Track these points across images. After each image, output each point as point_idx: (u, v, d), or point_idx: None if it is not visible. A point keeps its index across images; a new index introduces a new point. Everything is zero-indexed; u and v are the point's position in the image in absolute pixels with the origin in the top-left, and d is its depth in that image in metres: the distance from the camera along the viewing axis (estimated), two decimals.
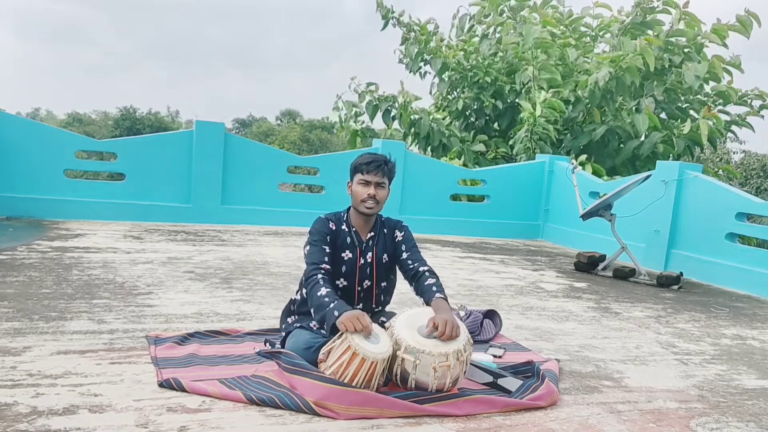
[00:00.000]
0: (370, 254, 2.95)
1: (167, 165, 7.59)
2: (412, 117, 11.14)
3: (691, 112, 11.40)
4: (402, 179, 8.38)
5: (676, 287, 6.07)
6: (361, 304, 2.98)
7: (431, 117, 11.25)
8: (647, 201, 7.04)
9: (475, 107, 12.07)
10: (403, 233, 3.05)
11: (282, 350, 2.69)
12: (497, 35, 11.88)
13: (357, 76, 11.51)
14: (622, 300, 5.32)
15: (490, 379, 2.80)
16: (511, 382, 2.75)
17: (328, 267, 2.79)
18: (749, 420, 2.75)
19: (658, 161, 7.78)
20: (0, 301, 3.57)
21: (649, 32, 10.48)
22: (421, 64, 12.20)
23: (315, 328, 2.79)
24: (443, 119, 11.50)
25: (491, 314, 3.82)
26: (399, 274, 3.08)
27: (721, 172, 12.93)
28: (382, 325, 2.75)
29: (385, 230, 3.03)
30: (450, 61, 11.64)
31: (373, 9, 12.01)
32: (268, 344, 3.05)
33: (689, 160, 10.70)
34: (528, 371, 2.93)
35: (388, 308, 3.17)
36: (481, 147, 11.17)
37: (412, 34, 11.83)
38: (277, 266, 5.41)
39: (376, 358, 2.43)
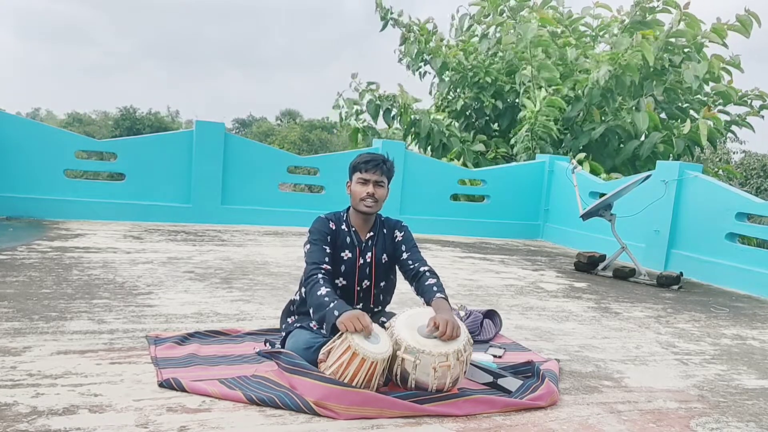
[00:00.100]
0: (369, 254, 2.95)
1: (167, 165, 7.59)
2: (411, 117, 11.15)
3: (691, 112, 11.40)
4: (402, 179, 8.38)
5: (676, 287, 6.08)
6: (360, 304, 2.98)
7: (431, 117, 11.26)
8: (647, 201, 7.04)
9: (475, 107, 12.08)
10: (402, 233, 3.05)
11: (282, 350, 2.69)
12: (497, 35, 11.88)
13: (358, 74, 11.52)
14: (622, 300, 5.32)
15: (490, 379, 2.80)
16: (511, 382, 2.75)
17: (328, 267, 2.79)
18: (749, 420, 2.75)
19: (658, 161, 7.79)
20: (0, 301, 3.57)
21: (653, 35, 10.47)
22: (421, 64, 12.20)
23: (315, 328, 2.79)
24: (443, 119, 11.50)
25: (491, 314, 3.82)
26: (399, 275, 3.08)
27: (721, 172, 12.94)
28: (382, 325, 2.75)
29: (385, 230, 3.03)
30: (450, 61, 11.65)
31: (373, 9, 12.02)
32: (268, 344, 3.05)
33: (689, 160, 10.70)
34: (528, 371, 2.93)
35: (388, 308, 3.17)
36: (481, 147, 11.18)
37: (412, 34, 11.83)
38: (277, 266, 5.41)
39: (376, 358, 2.42)
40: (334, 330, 2.51)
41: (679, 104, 11.42)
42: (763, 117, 11.54)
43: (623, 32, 10.70)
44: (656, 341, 4.01)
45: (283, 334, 2.93)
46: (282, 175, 8.28)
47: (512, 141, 10.85)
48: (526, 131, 10.17)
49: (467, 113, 12.36)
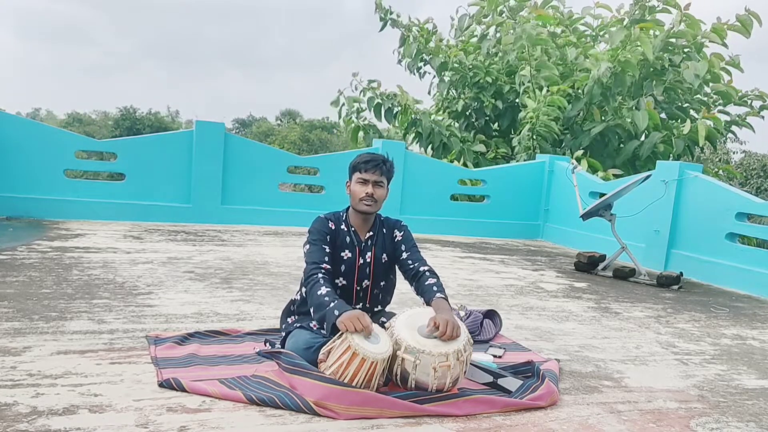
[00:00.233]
0: (369, 254, 2.95)
1: (167, 165, 7.59)
2: (412, 116, 11.15)
3: (692, 112, 11.41)
4: (402, 179, 8.38)
5: (676, 287, 6.07)
6: (360, 304, 2.98)
7: (431, 117, 11.26)
8: (647, 201, 7.04)
9: (475, 107, 12.07)
10: (402, 233, 3.05)
11: (282, 350, 2.69)
12: (497, 35, 11.89)
13: (359, 73, 11.52)
14: (622, 300, 5.32)
15: (490, 379, 2.80)
16: (511, 382, 2.75)
17: (328, 266, 2.79)
18: (749, 420, 2.75)
19: (658, 161, 7.79)
20: (0, 301, 3.57)
21: (651, 32, 10.47)
22: (421, 64, 12.20)
23: (315, 328, 2.79)
24: (443, 120, 11.51)
25: (491, 314, 3.82)
26: (399, 275, 3.08)
27: (721, 172, 12.94)
28: (382, 325, 2.75)
29: (385, 230, 3.03)
30: (450, 61, 11.65)
31: (373, 9, 12.03)
32: (268, 344, 3.05)
33: (689, 160, 10.70)
34: (528, 371, 2.93)
35: (388, 308, 3.17)
36: (481, 147, 11.18)
37: (411, 34, 11.83)
38: (277, 266, 5.41)
39: (376, 358, 2.42)
40: (334, 330, 2.51)
41: (679, 104, 11.43)
42: (763, 117, 11.55)
43: (620, 28, 10.68)
44: (656, 341, 4.01)
45: (283, 334, 2.93)
46: (282, 175, 8.28)
47: (514, 141, 10.85)
48: (527, 130, 10.17)
49: (467, 113, 12.37)
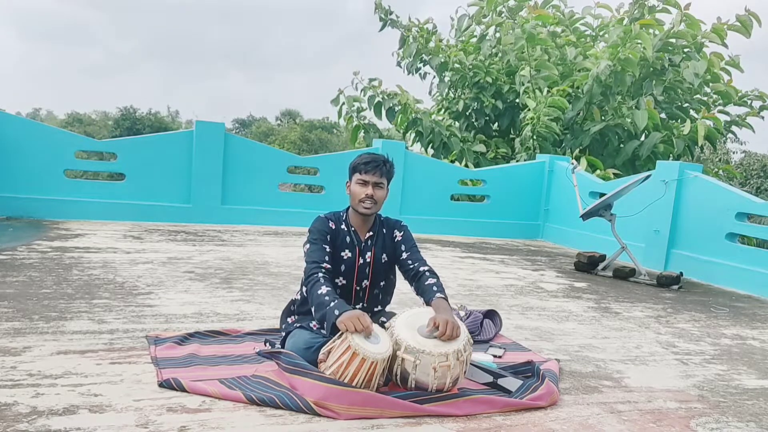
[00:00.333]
0: (369, 254, 2.95)
1: (167, 165, 7.59)
2: (412, 116, 11.15)
3: (692, 112, 11.41)
4: (402, 179, 8.38)
5: (676, 287, 6.08)
6: (359, 304, 2.99)
7: (432, 117, 11.26)
8: (647, 201, 7.05)
9: (476, 107, 12.07)
10: (402, 233, 3.05)
11: (282, 350, 2.69)
12: (496, 35, 11.89)
13: (360, 72, 11.52)
14: (622, 300, 5.32)
15: (490, 379, 2.80)
16: (511, 382, 2.75)
17: (328, 266, 2.79)
18: (749, 420, 2.75)
19: (658, 161, 7.79)
20: (0, 301, 3.57)
21: (650, 30, 10.48)
22: (420, 65, 12.20)
23: (315, 328, 2.79)
24: (443, 120, 11.51)
25: (491, 314, 3.82)
26: (399, 275, 3.08)
27: (721, 172, 12.94)
28: (382, 325, 2.75)
29: (385, 230, 3.03)
30: (450, 61, 11.66)
31: (373, 9, 12.03)
32: (268, 344, 3.05)
33: (689, 160, 10.70)
34: (528, 371, 2.93)
35: (388, 308, 3.17)
36: (481, 147, 11.19)
37: (411, 34, 11.83)
38: (277, 266, 5.41)
39: (376, 358, 2.43)
40: (334, 329, 2.51)
41: (679, 104, 11.43)
42: (763, 118, 11.55)
43: (619, 25, 10.68)
44: (656, 341, 4.01)
45: (283, 334, 2.93)
46: (282, 175, 8.28)
47: (516, 142, 10.85)
48: (529, 131, 10.17)
49: (467, 113, 12.37)
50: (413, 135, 11.58)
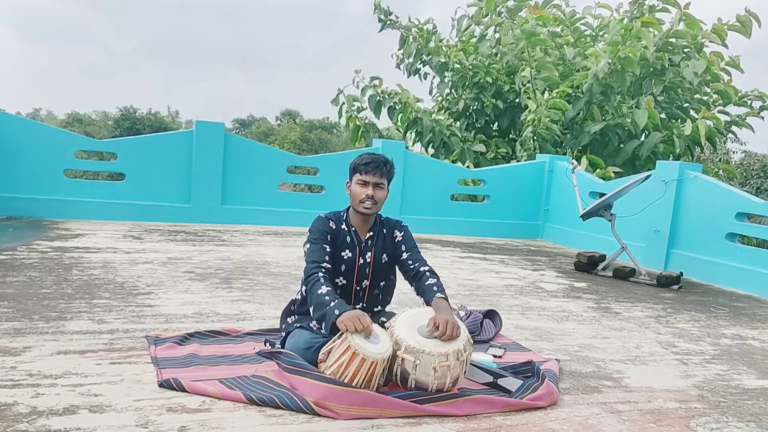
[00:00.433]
0: (369, 254, 2.95)
1: (167, 165, 7.59)
2: (412, 116, 11.15)
3: (692, 112, 11.41)
4: (402, 179, 8.38)
5: (676, 287, 6.08)
6: (359, 304, 2.99)
7: (432, 116, 11.26)
8: (647, 201, 7.05)
9: (476, 108, 12.08)
10: (402, 233, 3.05)
11: (282, 350, 2.69)
12: (496, 35, 11.89)
13: (361, 70, 11.50)
14: (622, 300, 5.32)
15: (490, 379, 2.80)
16: (511, 382, 2.75)
17: (328, 266, 2.79)
18: (749, 420, 2.75)
19: (658, 161, 7.79)
20: (0, 301, 3.57)
21: (650, 29, 10.48)
22: (420, 65, 12.20)
23: (315, 328, 2.79)
24: (444, 120, 11.51)
25: (491, 314, 3.82)
26: (399, 275, 3.08)
27: (721, 172, 12.95)
28: (382, 325, 2.75)
29: (385, 230, 3.03)
30: (451, 61, 11.65)
31: (373, 9, 12.03)
32: (268, 344, 3.05)
33: (689, 160, 10.70)
34: (528, 371, 2.93)
35: (388, 308, 3.17)
36: (481, 147, 11.19)
37: (411, 34, 11.83)
38: (277, 266, 5.41)
39: (376, 358, 2.43)
40: (333, 329, 2.51)
41: (679, 104, 11.43)
42: (763, 118, 11.56)
43: (619, 24, 10.69)
44: (656, 341, 4.01)
45: (283, 334, 2.93)
46: (282, 175, 8.28)
47: (517, 144, 10.85)
48: (530, 132, 10.17)
49: (467, 113, 12.37)
50: (413, 135, 11.57)
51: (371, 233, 2.98)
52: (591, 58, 10.70)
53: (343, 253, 2.91)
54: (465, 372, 2.64)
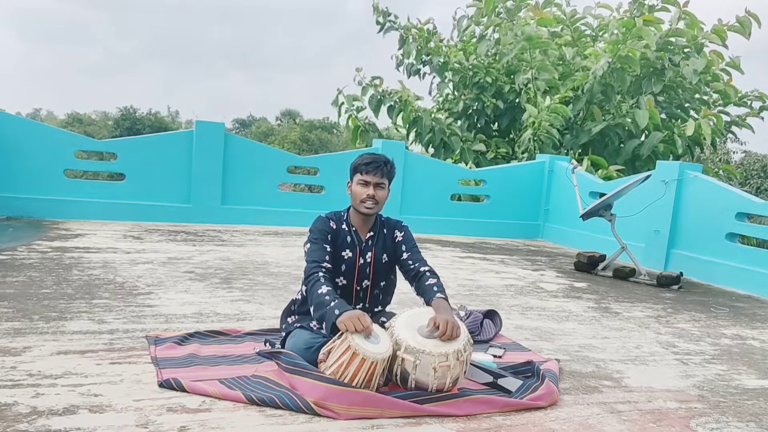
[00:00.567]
0: (369, 254, 2.95)
1: (167, 165, 7.59)
2: (413, 115, 11.15)
3: (692, 112, 11.41)
4: (402, 179, 8.38)
5: (676, 287, 6.08)
6: (360, 304, 2.99)
7: (432, 116, 11.25)
8: (647, 201, 7.05)
9: (476, 108, 12.07)
10: (403, 233, 3.05)
11: (282, 350, 2.70)
12: (495, 36, 11.89)
13: (362, 69, 11.45)
14: (622, 300, 5.32)
15: (490, 379, 2.80)
16: (511, 382, 2.75)
17: (329, 265, 2.79)
18: (749, 420, 2.75)
19: (658, 161, 7.79)
20: (0, 301, 3.57)
21: (651, 29, 10.49)
22: (420, 66, 12.19)
23: (315, 328, 2.79)
24: (444, 119, 11.50)
25: (491, 314, 3.82)
26: (399, 275, 3.08)
27: (721, 172, 12.95)
28: (382, 325, 2.75)
29: (385, 230, 3.03)
30: (451, 61, 11.65)
31: (372, 12, 12.01)
32: (268, 344, 3.05)
33: (689, 160, 10.70)
34: (528, 371, 2.93)
35: (388, 308, 3.17)
36: (481, 147, 11.18)
37: (411, 34, 11.82)
38: (277, 266, 5.41)
39: (376, 358, 2.43)
40: (333, 329, 2.51)
41: (679, 103, 11.43)
42: (762, 118, 11.56)
43: (619, 21, 10.68)
44: (656, 341, 4.01)
45: (283, 334, 2.93)
46: (282, 175, 8.28)
47: (518, 143, 10.85)
48: (530, 134, 10.16)
49: (468, 113, 12.37)
50: (413, 134, 11.57)
51: (371, 233, 2.98)
52: (591, 57, 10.70)
53: (343, 253, 2.91)
54: (465, 372, 2.64)
